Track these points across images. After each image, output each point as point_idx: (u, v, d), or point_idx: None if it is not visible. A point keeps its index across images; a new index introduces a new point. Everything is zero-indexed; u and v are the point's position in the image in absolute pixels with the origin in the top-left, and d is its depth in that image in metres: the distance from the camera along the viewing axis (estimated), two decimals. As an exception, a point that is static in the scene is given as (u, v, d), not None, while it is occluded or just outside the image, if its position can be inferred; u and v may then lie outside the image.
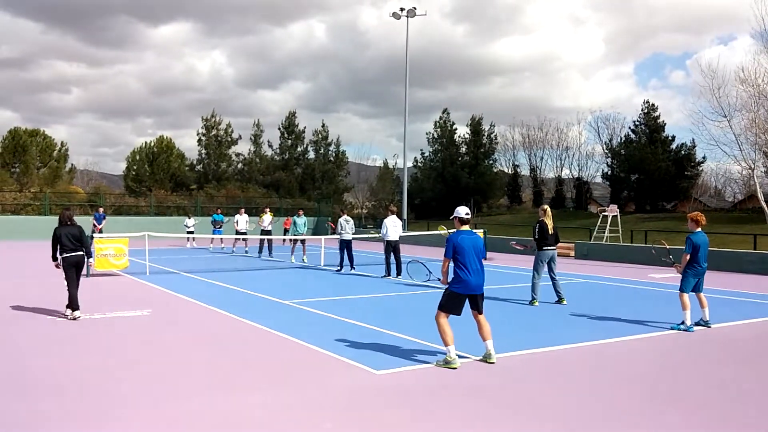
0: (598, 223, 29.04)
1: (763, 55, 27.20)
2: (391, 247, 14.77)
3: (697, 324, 8.73)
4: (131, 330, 8.35)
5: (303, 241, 18.95)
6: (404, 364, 6.53)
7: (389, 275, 14.78)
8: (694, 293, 8.76)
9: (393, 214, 15.10)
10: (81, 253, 9.29)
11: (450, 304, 6.58)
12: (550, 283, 11.00)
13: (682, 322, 8.59)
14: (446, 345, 6.47)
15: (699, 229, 8.73)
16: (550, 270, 10.92)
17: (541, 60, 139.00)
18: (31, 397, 5.38)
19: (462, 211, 6.82)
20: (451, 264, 6.67)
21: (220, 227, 24.37)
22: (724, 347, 7.70)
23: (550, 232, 10.75)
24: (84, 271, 14.16)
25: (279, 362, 6.69)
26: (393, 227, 14.83)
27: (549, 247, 10.78)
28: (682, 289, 8.69)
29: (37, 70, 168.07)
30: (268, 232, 20.49)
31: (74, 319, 8.95)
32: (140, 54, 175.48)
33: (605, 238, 27.49)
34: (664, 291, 12.83)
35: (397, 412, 5.07)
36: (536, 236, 10.81)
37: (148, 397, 5.38)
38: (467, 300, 6.65)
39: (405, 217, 38.13)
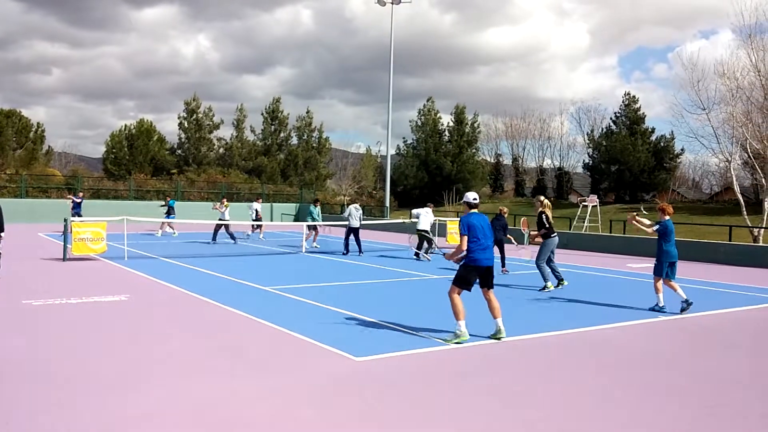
0: (578, 213, 29.34)
1: (742, 50, 27.49)
2: (420, 234, 16.43)
3: (683, 309, 9.11)
4: (108, 315, 8.26)
5: (315, 229, 19.91)
6: (384, 350, 6.54)
7: (419, 254, 16.20)
8: (665, 284, 9.32)
9: (426, 206, 17.34)
10: None
11: (464, 279, 7.03)
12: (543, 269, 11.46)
13: (656, 304, 9.26)
14: (457, 320, 6.89)
15: (667, 218, 9.41)
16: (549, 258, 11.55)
17: (527, 51, 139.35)
18: (2, 383, 5.29)
19: (470, 196, 7.33)
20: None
21: (172, 213, 23.73)
22: (700, 336, 7.84)
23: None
24: (61, 256, 14.18)
25: (257, 348, 6.66)
26: (424, 216, 16.61)
27: (554, 235, 11.53)
28: (656, 273, 9.34)
29: (17, 50, 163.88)
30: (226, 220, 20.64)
31: None
32: (124, 36, 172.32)
33: (585, 227, 27.78)
34: (641, 281, 13.00)
35: (377, 398, 5.08)
36: (547, 226, 11.35)
37: (122, 383, 5.33)
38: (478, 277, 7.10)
39: (387, 204, 38.15)
